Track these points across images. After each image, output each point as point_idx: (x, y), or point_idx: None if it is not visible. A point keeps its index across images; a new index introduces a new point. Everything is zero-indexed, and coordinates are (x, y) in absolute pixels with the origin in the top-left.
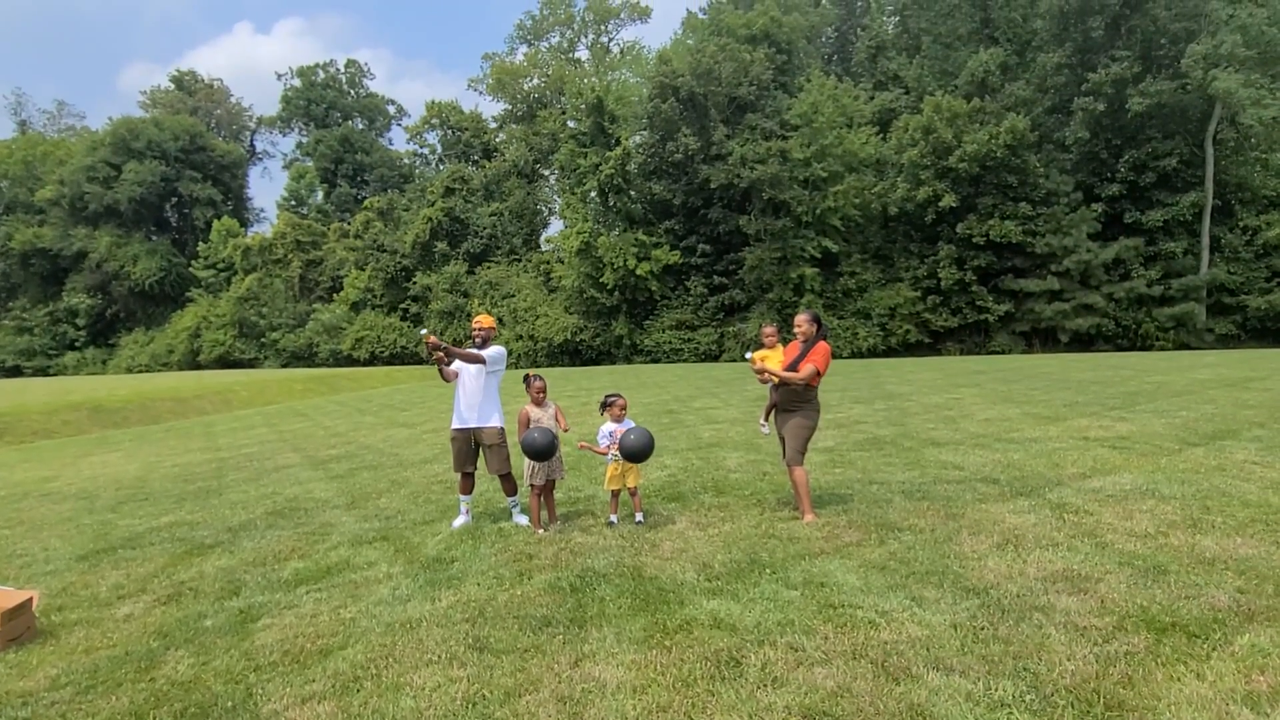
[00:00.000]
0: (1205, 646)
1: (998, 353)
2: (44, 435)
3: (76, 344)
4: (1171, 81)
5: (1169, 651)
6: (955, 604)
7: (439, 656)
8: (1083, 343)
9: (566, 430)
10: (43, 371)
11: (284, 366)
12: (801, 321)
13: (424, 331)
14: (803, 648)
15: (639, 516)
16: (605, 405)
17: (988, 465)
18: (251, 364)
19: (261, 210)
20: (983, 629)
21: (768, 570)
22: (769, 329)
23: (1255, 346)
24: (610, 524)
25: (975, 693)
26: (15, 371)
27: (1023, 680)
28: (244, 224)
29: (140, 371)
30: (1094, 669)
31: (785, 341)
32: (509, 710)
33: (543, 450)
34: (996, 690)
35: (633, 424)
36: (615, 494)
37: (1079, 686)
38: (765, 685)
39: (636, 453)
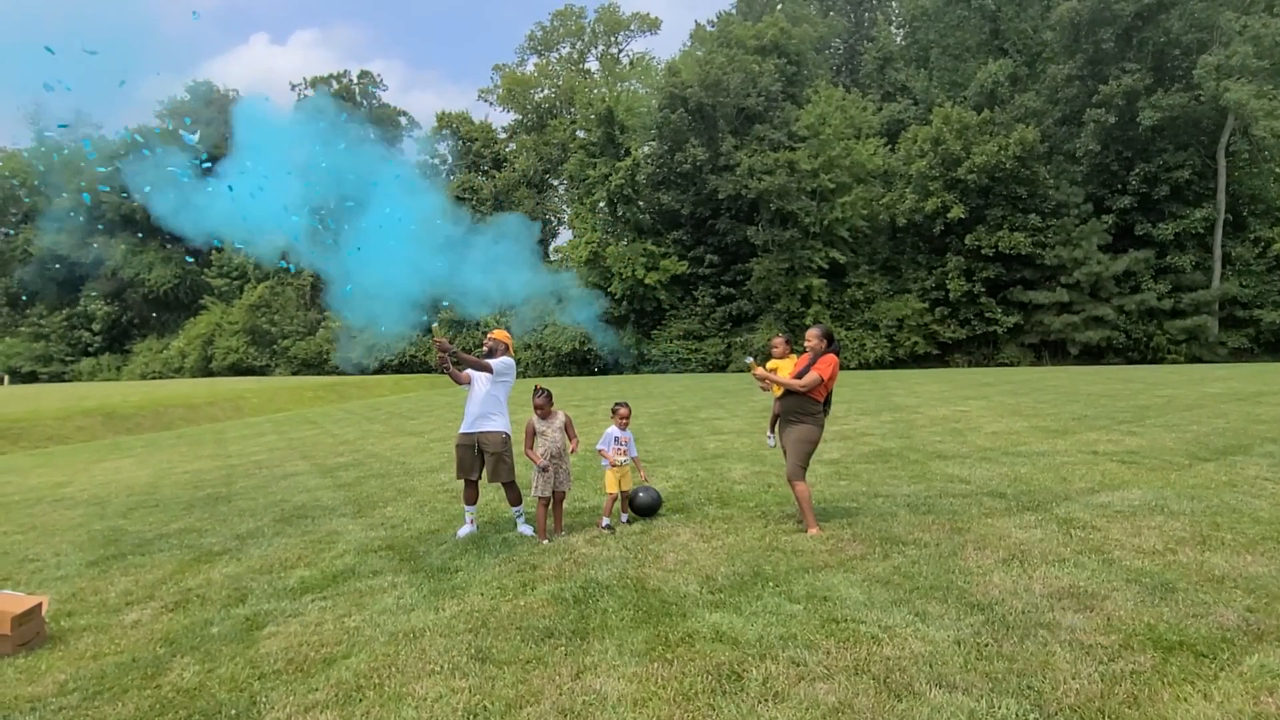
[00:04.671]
0: (1213, 666)
1: (1006, 365)
2: (58, 441)
3: (91, 350)
4: (1184, 93)
5: (1176, 671)
6: (959, 620)
7: (441, 667)
8: (1092, 355)
9: (575, 451)
10: (58, 377)
11: (294, 374)
12: (811, 335)
13: (434, 325)
14: (805, 662)
15: (624, 517)
16: (614, 411)
17: (994, 479)
18: (263, 371)
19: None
20: (986, 646)
21: (771, 583)
22: (779, 340)
23: (1268, 360)
24: (606, 528)
25: (978, 711)
26: (31, 377)
27: (1026, 699)
28: None
29: (153, 378)
30: (1099, 688)
31: (797, 353)
32: None
33: (646, 508)
34: (999, 708)
35: (632, 439)
36: (612, 498)
37: (1083, 706)
38: (766, 700)
39: (644, 509)
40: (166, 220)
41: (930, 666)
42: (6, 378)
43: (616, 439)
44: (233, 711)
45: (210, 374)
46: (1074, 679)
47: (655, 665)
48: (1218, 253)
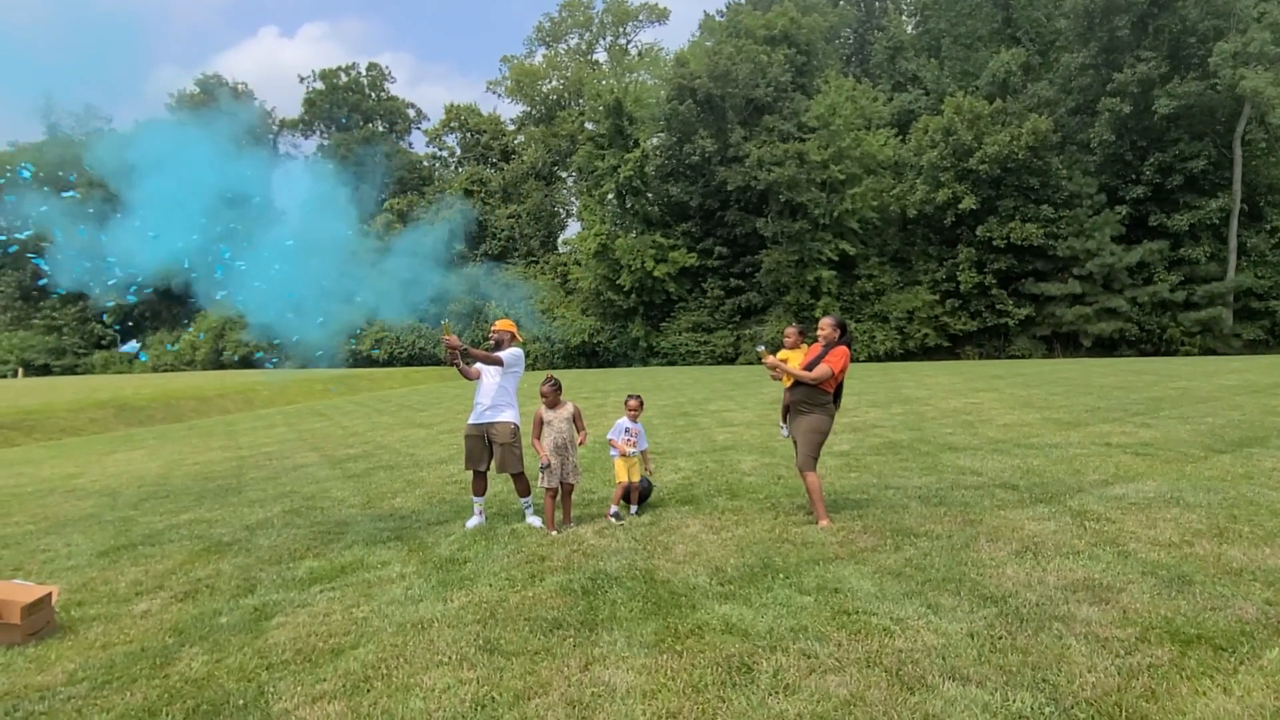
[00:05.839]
0: (1232, 660)
1: (1017, 357)
2: (71, 432)
3: (104, 343)
4: (1199, 81)
5: (1194, 664)
6: (972, 612)
7: (449, 658)
8: (1105, 347)
9: (583, 443)
10: (71, 370)
11: (304, 367)
12: (825, 325)
13: (444, 322)
14: (816, 654)
15: (634, 509)
16: (625, 402)
17: (1007, 471)
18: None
19: (284, 213)
20: (1000, 638)
21: (781, 575)
22: (791, 330)
23: None
24: (614, 517)
25: (992, 704)
26: (45, 370)
27: (1041, 692)
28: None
29: (165, 370)
30: (1115, 681)
31: (809, 343)
32: (518, 713)
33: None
34: (1014, 702)
35: (642, 431)
36: (622, 487)
37: (1100, 699)
38: (777, 692)
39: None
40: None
41: (943, 659)
42: (21, 370)
43: (627, 430)
44: (240, 701)
45: (221, 366)
46: (1090, 672)
47: (664, 657)
48: (1233, 243)
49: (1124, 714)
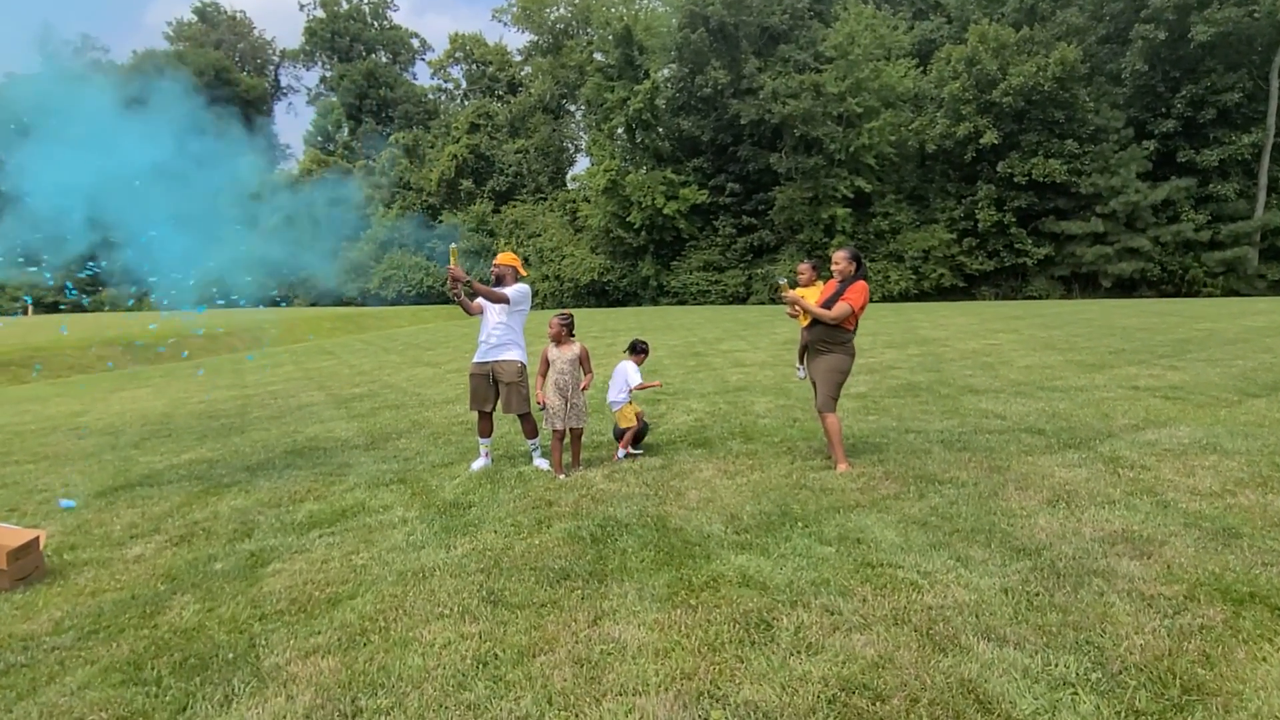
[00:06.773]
0: None
1: (1035, 298)
2: (79, 370)
3: (113, 281)
4: (1238, 7)
5: (1250, 626)
6: (1005, 566)
7: (451, 610)
8: (1125, 288)
9: (586, 388)
10: (79, 307)
11: (312, 305)
12: (840, 259)
13: (452, 246)
14: (839, 610)
15: (640, 450)
16: (637, 350)
17: (1031, 414)
18: (282, 301)
19: (288, 147)
20: (1037, 595)
21: (800, 524)
22: (805, 265)
23: None
24: (626, 458)
25: (1033, 668)
26: (54, 308)
27: (1086, 655)
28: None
29: (173, 309)
30: (1166, 644)
31: (824, 279)
32: (521, 672)
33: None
34: (1057, 666)
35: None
36: (634, 431)
37: (1150, 664)
38: (799, 652)
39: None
40: None
41: (976, 617)
42: (30, 308)
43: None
44: (230, 655)
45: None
46: (1137, 634)
47: (678, 612)
48: (1263, 180)
49: (1178, 680)
